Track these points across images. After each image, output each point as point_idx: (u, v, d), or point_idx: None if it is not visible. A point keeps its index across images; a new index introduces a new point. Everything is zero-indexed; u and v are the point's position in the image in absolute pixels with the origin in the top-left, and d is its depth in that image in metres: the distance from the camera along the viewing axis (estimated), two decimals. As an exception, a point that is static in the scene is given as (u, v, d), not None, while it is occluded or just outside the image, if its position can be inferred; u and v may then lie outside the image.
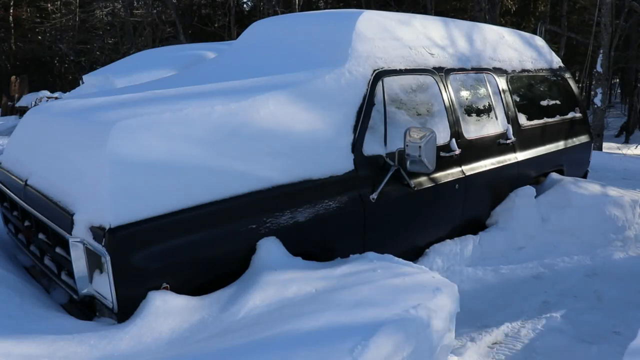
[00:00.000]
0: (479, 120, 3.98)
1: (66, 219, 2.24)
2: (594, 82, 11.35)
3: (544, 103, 4.92)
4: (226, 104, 2.62)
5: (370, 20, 3.45)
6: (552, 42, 17.24)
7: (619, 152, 10.47)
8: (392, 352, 1.84)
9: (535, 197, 4.41)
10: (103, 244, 2.06)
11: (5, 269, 2.64)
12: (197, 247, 2.30)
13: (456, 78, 3.85)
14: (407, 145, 2.94)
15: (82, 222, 2.17)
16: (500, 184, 4.22)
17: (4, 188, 3.01)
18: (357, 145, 2.98)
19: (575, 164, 5.29)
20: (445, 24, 4.12)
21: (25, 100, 15.81)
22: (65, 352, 1.88)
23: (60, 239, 2.34)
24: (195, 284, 2.31)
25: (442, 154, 3.50)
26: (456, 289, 2.33)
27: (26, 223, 2.76)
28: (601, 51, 10.85)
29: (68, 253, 2.23)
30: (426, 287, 2.27)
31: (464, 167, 3.77)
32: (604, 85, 11.06)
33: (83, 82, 8.20)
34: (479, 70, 4.13)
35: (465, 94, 3.91)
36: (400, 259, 2.62)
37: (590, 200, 4.38)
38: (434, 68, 3.65)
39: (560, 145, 4.95)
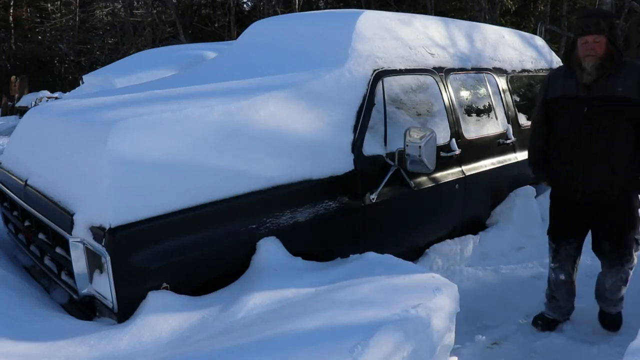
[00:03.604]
0: (479, 120, 3.98)
1: (66, 219, 2.25)
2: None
3: (544, 103, 4.91)
4: (226, 104, 2.62)
5: (370, 20, 3.45)
6: (552, 42, 17.23)
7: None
8: (392, 352, 1.84)
9: (535, 197, 4.40)
10: (103, 244, 2.06)
11: (5, 269, 2.64)
12: (197, 247, 2.30)
13: (456, 78, 3.85)
14: (407, 145, 2.93)
15: (82, 222, 2.17)
16: (500, 184, 4.22)
17: (4, 188, 3.01)
18: (357, 145, 2.98)
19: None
20: (445, 24, 4.12)
21: (25, 100, 15.84)
22: (65, 352, 1.88)
23: (60, 239, 2.34)
24: (195, 284, 2.31)
25: (442, 154, 3.49)
26: (456, 289, 2.33)
27: (26, 223, 2.76)
28: (601, 51, 10.82)
29: (68, 253, 2.23)
30: (426, 287, 2.27)
31: (464, 167, 3.77)
32: (604, 85, 11.03)
33: (83, 82, 8.22)
34: (479, 70, 4.13)
35: (465, 93, 3.91)
36: (400, 259, 2.62)
37: (590, 200, 4.37)
38: (434, 68, 3.65)
39: (560, 145, 4.95)
